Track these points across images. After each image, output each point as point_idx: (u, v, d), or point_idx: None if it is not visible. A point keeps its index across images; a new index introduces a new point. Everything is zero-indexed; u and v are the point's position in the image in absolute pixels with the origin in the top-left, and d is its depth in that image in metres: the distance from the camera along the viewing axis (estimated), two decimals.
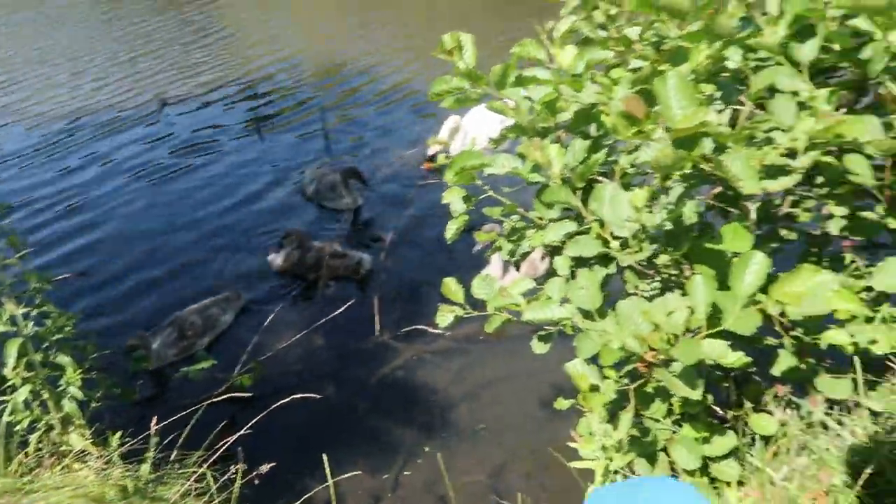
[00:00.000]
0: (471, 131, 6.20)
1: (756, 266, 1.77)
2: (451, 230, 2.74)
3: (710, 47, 1.94)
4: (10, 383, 2.83)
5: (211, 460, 2.87)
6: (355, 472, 3.16)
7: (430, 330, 4.47)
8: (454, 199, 2.74)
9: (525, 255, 2.92)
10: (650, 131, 1.73)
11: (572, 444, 2.32)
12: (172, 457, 2.91)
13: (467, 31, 2.36)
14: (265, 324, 4.46)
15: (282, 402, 3.17)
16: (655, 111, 1.81)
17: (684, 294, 1.91)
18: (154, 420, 2.81)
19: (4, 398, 2.86)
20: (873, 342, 1.96)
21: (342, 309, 4.61)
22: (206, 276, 5.36)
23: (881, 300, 1.98)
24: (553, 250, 2.81)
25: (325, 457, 2.60)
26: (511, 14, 10.10)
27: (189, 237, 5.92)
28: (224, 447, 2.88)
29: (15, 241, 2.85)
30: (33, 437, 2.88)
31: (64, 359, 2.87)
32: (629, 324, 1.87)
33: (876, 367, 2.29)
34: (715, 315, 1.84)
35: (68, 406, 2.86)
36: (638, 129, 1.70)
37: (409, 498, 3.42)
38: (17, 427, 2.87)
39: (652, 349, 1.82)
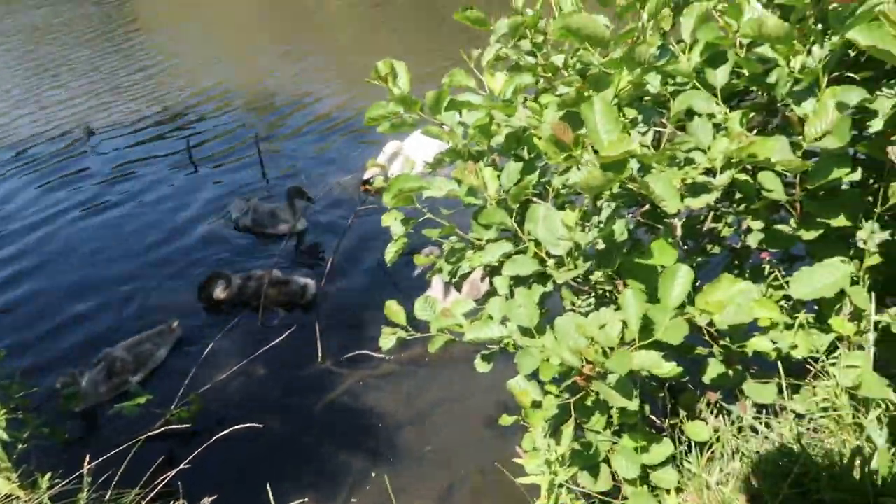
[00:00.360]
0: (410, 155, 6.27)
1: (682, 279, 1.87)
2: (390, 253, 2.77)
3: (632, 73, 2.05)
4: None
5: (149, 498, 2.77)
6: (301, 501, 3.11)
7: (374, 355, 4.45)
8: (393, 222, 2.78)
9: (465, 276, 2.97)
10: (578, 156, 1.80)
11: (518, 461, 2.35)
12: (108, 496, 2.79)
13: (401, 60, 2.42)
14: (203, 355, 4.35)
15: (222, 434, 3.10)
16: (583, 134, 1.89)
17: (618, 308, 1.99)
18: (87, 459, 2.69)
19: None
20: (794, 347, 2.08)
21: (283, 336, 4.54)
22: (140, 310, 5.21)
23: (798, 308, 2.10)
24: (492, 270, 2.87)
25: (269, 487, 2.56)
26: (444, 41, 10.29)
27: (121, 270, 5.74)
28: (163, 483, 2.79)
29: None
30: None
31: None
32: (566, 339, 1.93)
33: (797, 371, 2.42)
34: (647, 327, 1.92)
35: None
36: (567, 153, 1.77)
37: None
38: None
39: (589, 362, 1.88)
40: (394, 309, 2.68)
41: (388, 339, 2.68)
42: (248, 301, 5.04)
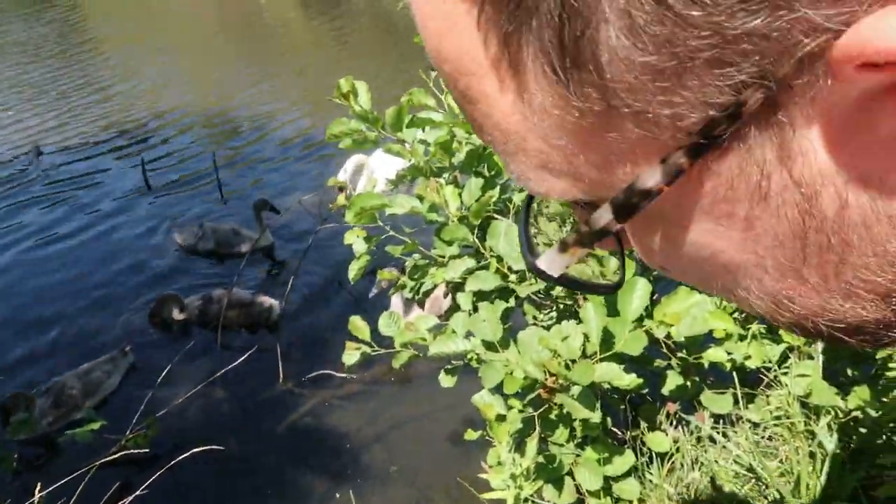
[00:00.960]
0: (375, 172, 6.29)
1: (640, 291, 1.91)
2: (353, 270, 2.77)
3: None
4: None
5: None
6: None
7: (337, 374, 4.41)
8: (355, 240, 2.78)
9: (428, 292, 2.98)
10: None
11: (483, 476, 2.36)
12: None
13: (364, 81, 2.45)
14: (160, 379, 4.25)
15: (181, 457, 3.03)
16: None
17: (579, 322, 2.02)
18: (38, 487, 2.61)
19: None
20: (747, 358, 2.14)
21: (243, 358, 4.46)
22: (92, 337, 5.05)
23: (751, 319, 2.17)
24: (455, 287, 2.90)
25: None
26: (406, 64, 10.38)
27: (71, 299, 5.53)
28: None
29: None
30: None
31: None
32: (530, 352, 1.96)
33: (752, 381, 2.49)
34: (607, 340, 1.96)
35: None
36: None
37: None
38: None
39: (552, 375, 1.91)
40: (358, 325, 2.68)
41: (351, 355, 2.67)
42: (209, 323, 4.95)
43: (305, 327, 5.01)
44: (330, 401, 4.33)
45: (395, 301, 4.79)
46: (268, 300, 5.00)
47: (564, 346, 1.82)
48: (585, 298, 2.43)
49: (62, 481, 2.89)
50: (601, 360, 1.93)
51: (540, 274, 0.43)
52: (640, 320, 1.93)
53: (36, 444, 4.10)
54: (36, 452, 4.05)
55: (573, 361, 1.93)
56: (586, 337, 1.97)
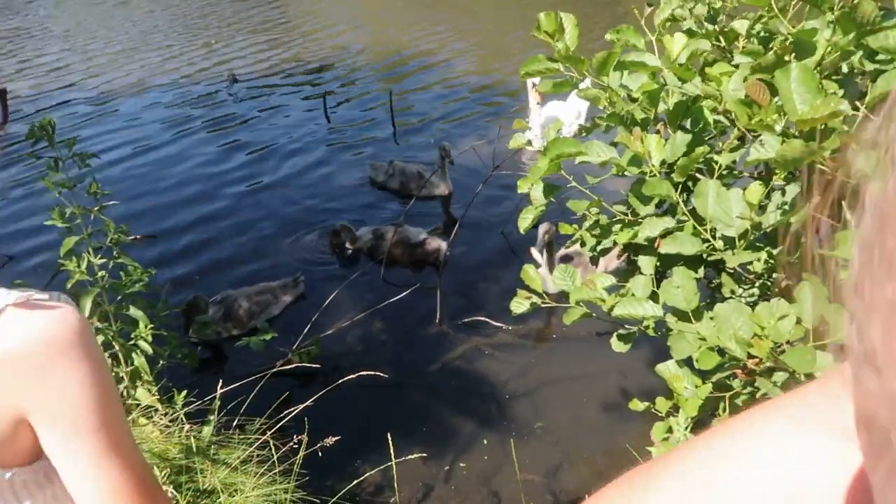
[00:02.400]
0: (545, 118, 6.14)
1: None
2: (526, 220, 2.65)
3: (844, 38, 1.81)
4: None
5: (273, 430, 2.87)
6: (413, 457, 3.12)
7: (493, 322, 4.40)
8: (532, 187, 2.66)
9: (606, 251, 2.82)
10: (772, 122, 1.61)
11: (628, 447, 2.21)
12: (235, 423, 2.92)
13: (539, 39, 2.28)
14: (326, 303, 4.45)
15: (347, 378, 3.16)
16: (776, 103, 1.70)
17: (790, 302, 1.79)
18: (220, 384, 2.82)
19: None
20: None
21: (403, 294, 4.56)
22: (270, 256, 5.39)
23: None
24: (637, 248, 2.71)
25: (389, 438, 2.56)
26: (588, 19, 9.92)
27: (255, 211, 5.98)
28: (288, 417, 2.87)
29: (97, 190, 2.89)
30: None
31: (137, 312, 2.90)
32: (729, 327, 1.77)
33: None
34: (819, 328, 1.72)
35: (138, 360, 2.89)
36: (759, 117, 1.58)
37: (464, 489, 3.36)
38: None
39: (752, 356, 1.71)
40: (531, 274, 2.59)
41: (520, 304, 2.59)
42: (377, 256, 5.12)
43: (466, 272, 5.03)
44: (482, 347, 4.33)
45: (535, 253, 4.68)
46: (436, 242, 5.06)
47: (774, 328, 1.61)
48: (800, 278, 2.16)
49: (238, 383, 3.11)
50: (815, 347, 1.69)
51: None
52: None
53: (213, 347, 4.47)
54: (213, 353, 4.43)
55: (777, 345, 1.72)
56: (798, 320, 1.73)
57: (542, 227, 4.60)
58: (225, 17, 12.00)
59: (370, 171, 6.30)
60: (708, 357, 1.69)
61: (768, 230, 1.82)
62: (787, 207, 1.78)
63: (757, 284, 2.12)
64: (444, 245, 5.02)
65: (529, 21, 2.36)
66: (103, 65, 9.97)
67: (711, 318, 1.88)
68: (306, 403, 2.94)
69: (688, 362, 1.92)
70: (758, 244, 1.94)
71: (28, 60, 10.38)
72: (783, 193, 1.82)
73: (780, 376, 1.70)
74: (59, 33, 11.54)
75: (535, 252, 4.64)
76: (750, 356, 1.72)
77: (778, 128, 1.68)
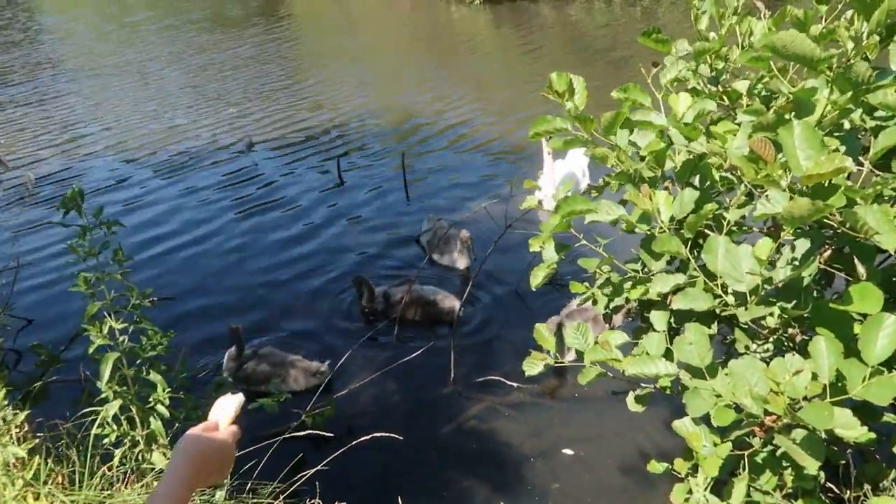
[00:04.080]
0: (558, 178, 6.22)
1: (890, 328, 1.64)
2: (538, 277, 2.67)
3: (841, 97, 1.86)
4: (102, 396, 2.90)
5: (286, 493, 2.83)
6: None
7: (507, 382, 4.36)
8: (547, 246, 2.69)
9: (618, 308, 2.82)
10: (778, 177, 1.65)
11: None
12: (248, 486, 2.89)
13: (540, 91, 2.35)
14: (340, 362, 4.45)
15: (360, 439, 3.13)
16: (780, 160, 1.73)
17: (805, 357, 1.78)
18: None
19: (93, 409, 2.93)
20: None
21: (416, 354, 4.55)
22: (287, 313, 5.44)
23: None
24: (648, 305, 2.71)
25: (400, 501, 2.52)
26: (596, 76, 10.17)
27: (270, 273, 6.04)
28: (301, 480, 2.84)
29: (120, 256, 2.95)
30: (118, 452, 2.92)
31: (156, 377, 2.92)
32: (744, 383, 1.76)
33: None
34: (835, 383, 1.71)
35: (154, 424, 2.90)
36: (766, 173, 1.62)
37: None
38: (105, 440, 2.92)
39: (768, 413, 1.69)
40: (544, 334, 2.59)
41: (534, 365, 2.58)
42: (390, 315, 5.14)
43: (479, 330, 5.03)
44: (497, 407, 4.28)
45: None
46: (449, 301, 5.08)
47: (789, 384, 1.60)
48: (803, 332, 2.16)
49: (251, 447, 3.08)
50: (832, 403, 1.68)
51: None
52: (887, 364, 1.65)
53: None
54: None
55: (794, 401, 1.70)
56: (814, 375, 1.72)
57: (553, 320, 4.55)
58: (241, 83, 12.39)
59: (424, 225, 6.38)
60: (724, 414, 1.67)
61: (779, 285, 1.83)
62: (796, 262, 1.79)
63: (771, 340, 2.11)
64: (456, 304, 5.04)
65: (537, 84, 2.45)
66: (118, 132, 10.28)
67: (726, 375, 1.87)
68: (319, 467, 2.90)
69: (705, 419, 1.90)
70: (770, 299, 1.94)
71: (47, 126, 10.72)
72: (793, 249, 1.83)
73: (798, 433, 1.68)
74: (74, 102, 11.96)
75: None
76: (767, 413, 1.70)
77: (783, 183, 1.71)
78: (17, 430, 2.82)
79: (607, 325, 3.36)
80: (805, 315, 1.92)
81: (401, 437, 3.23)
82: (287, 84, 12.17)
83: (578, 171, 6.47)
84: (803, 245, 1.80)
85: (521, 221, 5.33)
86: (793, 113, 1.87)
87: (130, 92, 12.49)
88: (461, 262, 5.82)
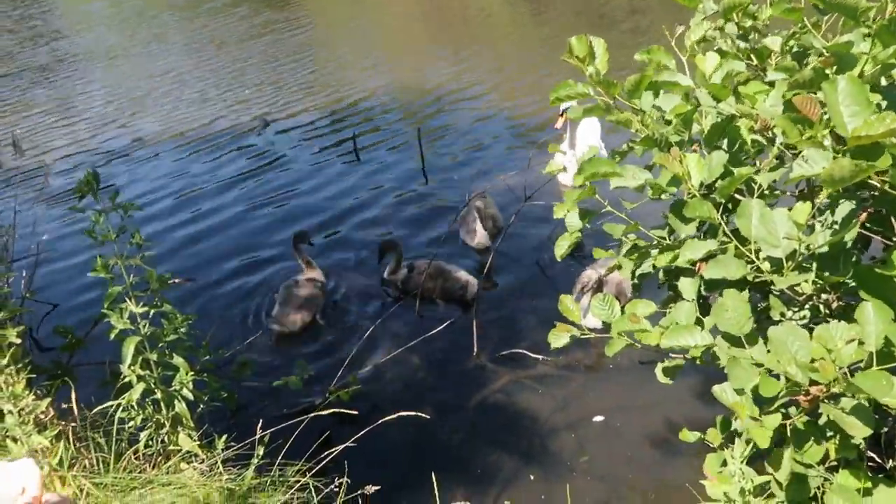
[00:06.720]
0: (580, 143, 6.09)
1: None
2: (562, 247, 2.60)
3: (883, 51, 1.75)
4: (125, 380, 2.89)
5: (313, 472, 2.82)
6: (458, 497, 3.04)
7: (530, 354, 4.32)
8: (572, 213, 2.61)
9: (645, 276, 2.74)
10: (822, 137, 1.55)
11: (704, 482, 2.11)
12: (275, 465, 2.88)
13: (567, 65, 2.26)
14: (363, 338, 4.42)
15: (386, 417, 3.10)
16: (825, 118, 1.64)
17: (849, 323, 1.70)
18: (259, 426, 2.79)
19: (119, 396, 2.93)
20: None
21: (438, 329, 4.50)
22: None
23: None
24: (675, 273, 2.63)
25: (434, 479, 2.50)
26: (610, 47, 9.93)
27: (287, 252, 6.00)
28: (328, 459, 2.83)
29: (139, 239, 2.92)
30: (143, 435, 2.92)
31: (178, 359, 2.91)
32: (784, 352, 1.68)
33: None
34: (883, 350, 1.63)
35: (179, 407, 2.89)
36: (810, 134, 1.53)
37: None
38: (129, 424, 2.92)
39: (814, 382, 1.62)
40: (569, 306, 2.52)
41: (559, 337, 2.52)
42: (411, 291, 5.09)
43: (502, 304, 4.97)
44: (521, 380, 4.25)
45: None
46: (465, 277, 5.01)
47: (839, 351, 1.53)
48: (853, 298, 2.07)
49: (277, 426, 3.07)
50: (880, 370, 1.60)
51: None
52: None
53: (252, 387, 4.44)
54: (251, 393, 4.38)
55: (841, 369, 1.63)
56: (860, 342, 1.65)
57: (580, 280, 4.50)
58: (254, 63, 12.30)
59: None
60: (769, 384, 1.60)
61: (816, 250, 1.74)
62: (836, 226, 1.70)
63: (807, 307, 2.03)
64: (472, 280, 4.98)
65: (553, 57, 2.36)
66: (135, 115, 10.26)
67: (766, 342, 1.80)
68: (346, 444, 2.89)
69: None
70: (804, 265, 1.86)
71: (65, 111, 10.73)
72: (832, 212, 1.74)
73: (846, 402, 1.61)
74: (93, 90, 11.95)
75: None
76: (811, 382, 1.63)
77: (826, 143, 1.62)
78: (43, 415, 2.83)
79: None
80: (844, 280, 1.83)
81: (425, 415, 3.20)
82: (300, 63, 12.04)
83: (596, 140, 6.34)
84: (845, 208, 1.71)
85: (541, 193, 5.23)
86: (833, 68, 1.76)
87: (144, 74, 12.44)
88: (480, 235, 5.72)
